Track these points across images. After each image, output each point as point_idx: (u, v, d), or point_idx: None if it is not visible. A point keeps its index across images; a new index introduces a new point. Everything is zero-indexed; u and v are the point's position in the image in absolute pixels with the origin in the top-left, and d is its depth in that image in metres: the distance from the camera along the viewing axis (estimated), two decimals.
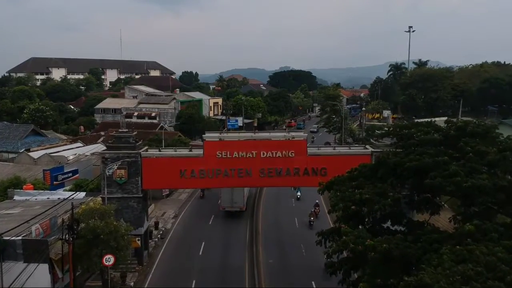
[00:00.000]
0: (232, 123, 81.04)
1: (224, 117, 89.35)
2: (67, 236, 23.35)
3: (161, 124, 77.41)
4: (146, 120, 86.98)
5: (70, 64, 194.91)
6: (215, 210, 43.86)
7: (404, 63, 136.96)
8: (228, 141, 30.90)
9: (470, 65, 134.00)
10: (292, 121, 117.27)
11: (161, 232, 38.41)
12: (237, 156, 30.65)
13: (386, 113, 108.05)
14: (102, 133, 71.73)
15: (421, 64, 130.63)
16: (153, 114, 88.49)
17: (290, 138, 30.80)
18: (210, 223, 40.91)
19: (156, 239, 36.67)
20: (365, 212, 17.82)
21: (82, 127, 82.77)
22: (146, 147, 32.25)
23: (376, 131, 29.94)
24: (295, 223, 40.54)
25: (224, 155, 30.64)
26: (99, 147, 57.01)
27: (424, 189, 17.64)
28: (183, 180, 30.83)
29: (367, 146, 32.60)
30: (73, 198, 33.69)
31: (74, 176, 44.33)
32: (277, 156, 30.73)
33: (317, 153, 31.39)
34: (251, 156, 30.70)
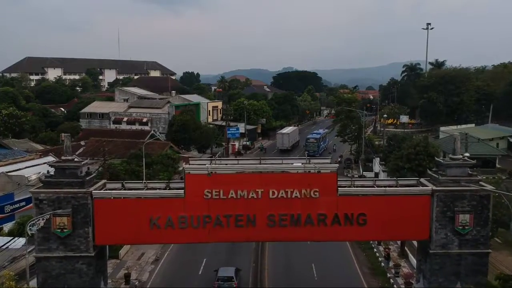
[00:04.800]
0: (232, 131, 70.90)
1: (224, 123, 79.58)
2: None
3: (152, 132, 67.50)
4: (137, 126, 77.48)
5: (67, 64, 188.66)
6: (208, 249, 33.95)
7: (419, 63, 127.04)
8: (221, 175, 21.05)
9: (491, 65, 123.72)
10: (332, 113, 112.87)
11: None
12: (235, 196, 20.88)
13: (403, 118, 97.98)
14: (83, 142, 61.98)
15: (438, 64, 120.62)
16: (144, 120, 78.90)
17: (314, 170, 20.91)
18: (200, 272, 30.98)
19: None
20: None
21: (63, 134, 72.82)
22: (102, 182, 22.30)
23: None
24: (312, 273, 30.59)
25: (216, 195, 20.86)
26: None
27: None
28: (155, 232, 20.99)
29: (423, 181, 22.63)
30: (7, 247, 24.37)
31: (29, 206, 34.41)
32: (293, 196, 20.96)
33: (352, 193, 21.43)
34: (255, 196, 20.91)
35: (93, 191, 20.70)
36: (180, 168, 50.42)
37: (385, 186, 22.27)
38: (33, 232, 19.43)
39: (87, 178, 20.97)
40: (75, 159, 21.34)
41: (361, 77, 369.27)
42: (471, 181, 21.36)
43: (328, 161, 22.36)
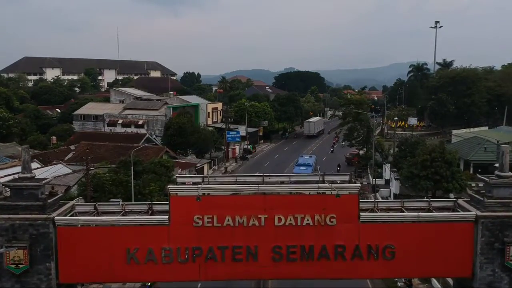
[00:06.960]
0: (232, 135, 66.81)
1: (224, 125, 75.61)
2: None
3: (147, 135, 63.51)
4: (132, 129, 73.44)
5: (65, 64, 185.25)
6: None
7: (426, 63, 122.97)
8: (215, 197, 16.99)
9: (495, 65, 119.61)
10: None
11: None
12: (232, 224, 16.80)
13: (412, 120, 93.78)
14: (73, 147, 58.04)
15: (446, 64, 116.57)
16: (140, 122, 74.81)
17: (331, 192, 16.85)
18: None
19: None
20: None
21: (54, 137, 68.85)
22: (70, 204, 18.17)
23: None
24: None
25: (208, 222, 16.79)
26: (57, 170, 43.54)
27: None
28: (133, 268, 16.89)
29: (461, 203, 18.52)
30: None
31: None
32: (304, 223, 16.88)
33: (378, 219, 17.34)
34: (257, 223, 16.84)
35: (56, 217, 16.64)
36: (175, 176, 46.39)
37: (415, 209, 18.17)
38: None
39: (49, 201, 16.94)
40: (36, 177, 17.34)
41: (363, 78, 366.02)
42: None
43: (347, 178, 18.29)
